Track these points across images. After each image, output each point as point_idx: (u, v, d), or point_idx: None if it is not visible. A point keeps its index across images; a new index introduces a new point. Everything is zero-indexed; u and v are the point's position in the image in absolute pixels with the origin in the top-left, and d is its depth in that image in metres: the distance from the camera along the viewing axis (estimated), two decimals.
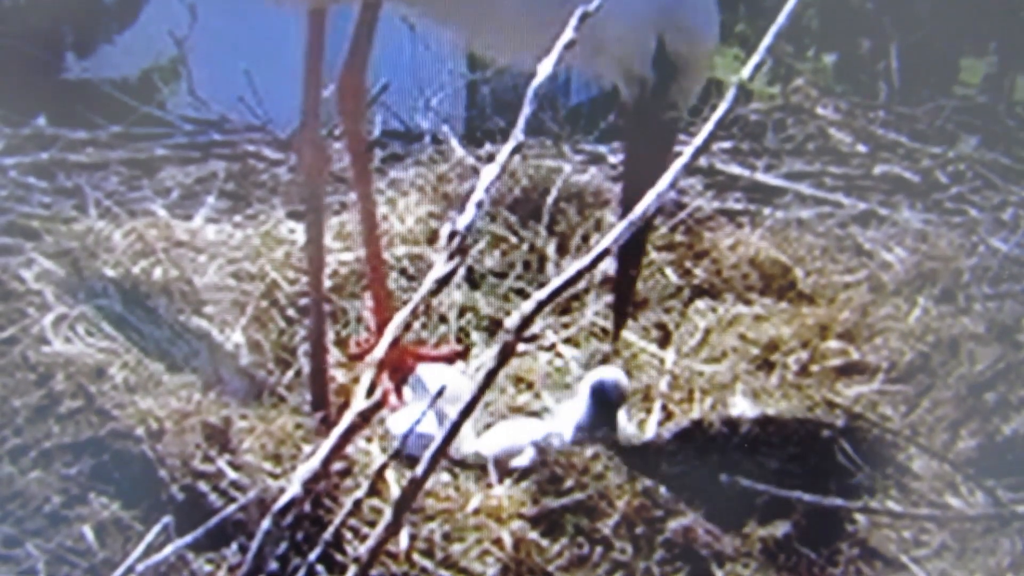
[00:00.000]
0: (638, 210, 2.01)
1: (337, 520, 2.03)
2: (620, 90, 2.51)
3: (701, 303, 3.04)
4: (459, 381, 2.69)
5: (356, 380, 2.61)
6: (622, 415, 2.60)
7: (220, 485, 2.26)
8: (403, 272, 3.09)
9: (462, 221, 1.99)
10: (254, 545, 1.96)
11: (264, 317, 2.88)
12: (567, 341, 2.96)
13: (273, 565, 1.97)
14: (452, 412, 1.92)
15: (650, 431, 2.66)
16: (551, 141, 3.55)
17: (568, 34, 2.08)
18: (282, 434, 2.40)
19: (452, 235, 1.99)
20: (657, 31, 2.44)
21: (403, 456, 2.10)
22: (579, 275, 1.97)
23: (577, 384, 2.70)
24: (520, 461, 2.49)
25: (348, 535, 2.19)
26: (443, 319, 3.03)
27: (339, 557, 2.15)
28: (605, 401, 2.56)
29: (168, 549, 2.08)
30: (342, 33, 2.71)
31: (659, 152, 2.45)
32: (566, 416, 2.58)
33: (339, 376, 2.79)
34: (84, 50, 4.43)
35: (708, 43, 2.48)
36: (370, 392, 1.95)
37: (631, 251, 2.52)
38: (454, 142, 3.56)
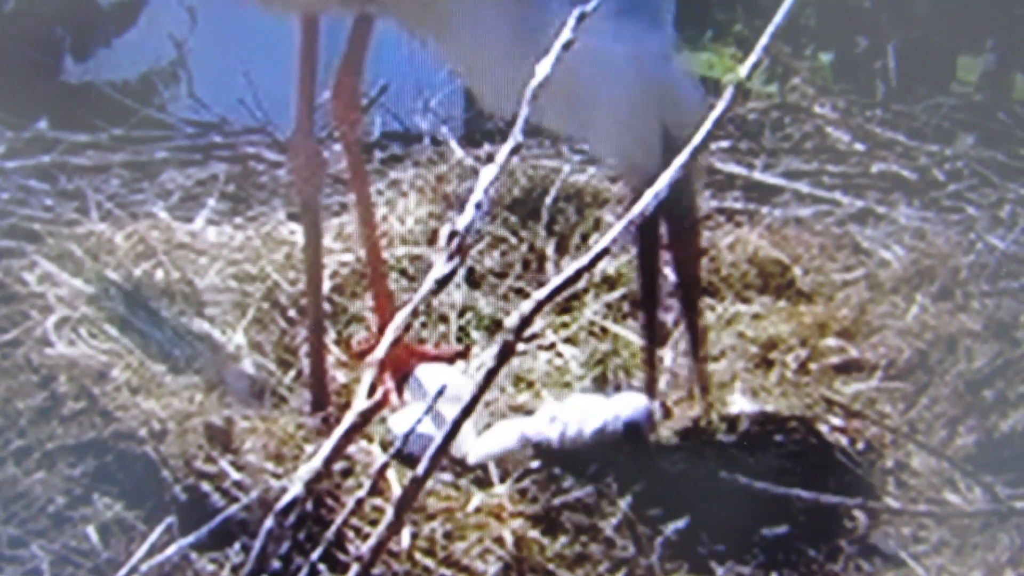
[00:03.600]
0: (636, 209, 2.02)
1: (339, 519, 2.04)
2: (621, 176, 2.43)
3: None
4: (460, 380, 2.70)
5: (357, 380, 2.62)
6: None
7: (223, 485, 2.27)
8: (403, 273, 3.10)
9: (462, 221, 2.00)
10: (257, 544, 1.96)
11: (265, 318, 2.89)
12: (567, 340, 2.97)
13: (276, 564, 1.97)
14: (452, 411, 1.93)
15: None
16: (550, 141, 3.55)
17: (566, 34, 2.09)
18: (284, 434, 2.41)
19: (452, 235, 1.99)
20: (660, 118, 2.33)
21: (404, 455, 2.11)
22: (578, 274, 1.98)
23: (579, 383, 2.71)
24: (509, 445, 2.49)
25: (350, 534, 2.20)
26: (443, 319, 3.04)
27: (341, 556, 2.16)
28: (638, 433, 2.54)
29: (171, 549, 2.10)
30: (341, 37, 2.72)
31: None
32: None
33: (340, 376, 2.80)
34: (83, 53, 4.42)
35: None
36: (371, 392, 1.95)
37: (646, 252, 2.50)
38: (453, 143, 3.56)
